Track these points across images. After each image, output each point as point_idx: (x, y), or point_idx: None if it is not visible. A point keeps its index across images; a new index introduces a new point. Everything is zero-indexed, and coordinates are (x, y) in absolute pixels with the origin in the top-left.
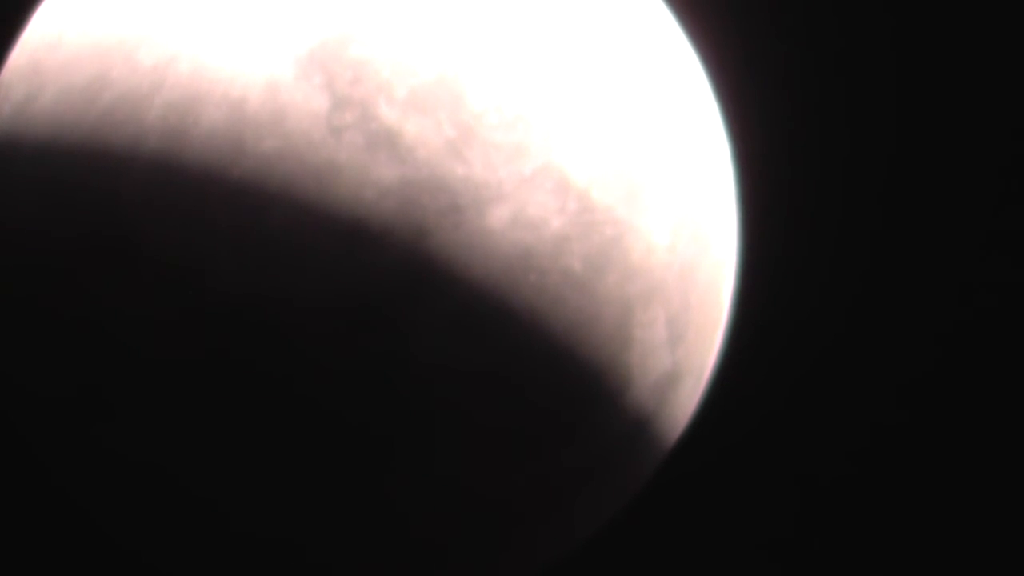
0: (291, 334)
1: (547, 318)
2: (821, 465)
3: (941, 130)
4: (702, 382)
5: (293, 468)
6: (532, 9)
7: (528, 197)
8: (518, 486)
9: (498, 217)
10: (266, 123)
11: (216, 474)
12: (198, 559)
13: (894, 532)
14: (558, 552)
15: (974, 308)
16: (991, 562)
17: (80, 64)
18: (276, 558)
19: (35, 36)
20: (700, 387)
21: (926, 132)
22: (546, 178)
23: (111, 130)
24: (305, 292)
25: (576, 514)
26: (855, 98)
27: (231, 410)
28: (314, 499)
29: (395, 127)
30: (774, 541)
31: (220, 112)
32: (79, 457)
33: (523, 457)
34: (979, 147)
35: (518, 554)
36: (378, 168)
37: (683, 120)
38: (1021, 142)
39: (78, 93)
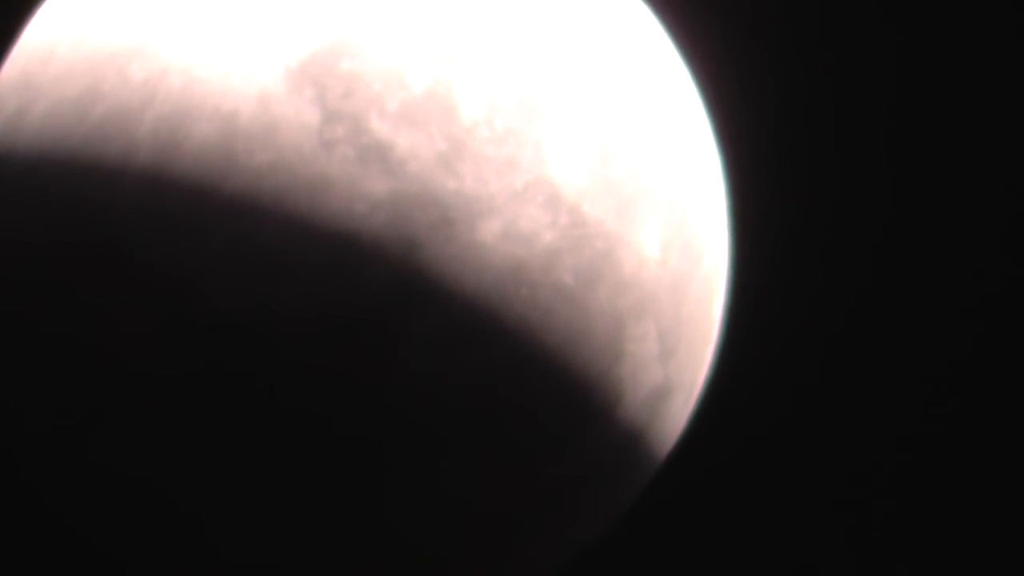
0: (283, 346)
1: (539, 332)
2: (813, 477)
3: (935, 134)
4: (693, 396)
5: (285, 481)
6: (523, 23)
7: (519, 211)
8: (509, 498)
9: (489, 231)
10: (258, 137)
11: (206, 486)
12: (187, 572)
13: (886, 544)
14: (550, 565)
15: (970, 318)
16: (987, 569)
17: (72, 77)
18: (270, 570)
19: (27, 49)
20: (691, 401)
21: (920, 139)
22: (537, 192)
23: (102, 143)
24: (297, 304)
25: (568, 527)
26: (848, 110)
27: (222, 422)
28: (308, 511)
29: (386, 141)
30: (766, 553)
31: (211, 126)
32: (67, 471)
33: (514, 469)
34: (974, 154)
35: (511, 567)
36: (369, 181)
37: (674, 133)
38: (1016, 142)
39: (69, 106)
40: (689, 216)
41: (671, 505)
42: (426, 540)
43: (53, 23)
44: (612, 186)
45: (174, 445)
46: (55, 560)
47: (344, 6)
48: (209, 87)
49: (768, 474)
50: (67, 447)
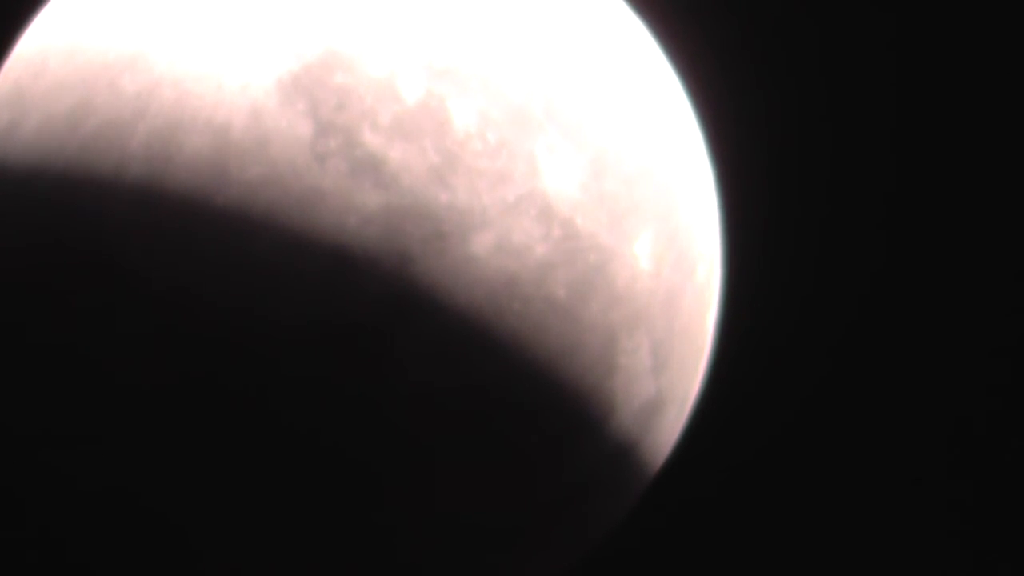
0: (276, 358)
1: (531, 345)
2: (807, 488)
3: (934, 142)
4: (686, 409)
5: (277, 493)
6: (516, 36)
7: (512, 224)
8: (501, 511)
9: (482, 244)
10: (250, 150)
11: (195, 497)
12: None
13: (878, 553)
14: None
15: (964, 327)
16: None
17: (64, 90)
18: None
19: (19, 62)
20: (684, 414)
21: (917, 147)
22: (530, 205)
23: (95, 157)
24: (290, 317)
25: (560, 540)
26: (843, 120)
27: (214, 432)
28: (302, 522)
29: (379, 153)
30: (759, 565)
31: (204, 139)
32: (55, 480)
33: (506, 482)
34: (977, 159)
35: None
36: (362, 195)
37: (666, 146)
38: (1010, 147)
39: (62, 120)
40: (681, 229)
41: (664, 518)
42: (420, 552)
43: (45, 35)
44: (605, 199)
45: (164, 455)
46: (38, 573)
47: (337, 19)
48: (201, 100)
49: (761, 486)
50: (57, 456)
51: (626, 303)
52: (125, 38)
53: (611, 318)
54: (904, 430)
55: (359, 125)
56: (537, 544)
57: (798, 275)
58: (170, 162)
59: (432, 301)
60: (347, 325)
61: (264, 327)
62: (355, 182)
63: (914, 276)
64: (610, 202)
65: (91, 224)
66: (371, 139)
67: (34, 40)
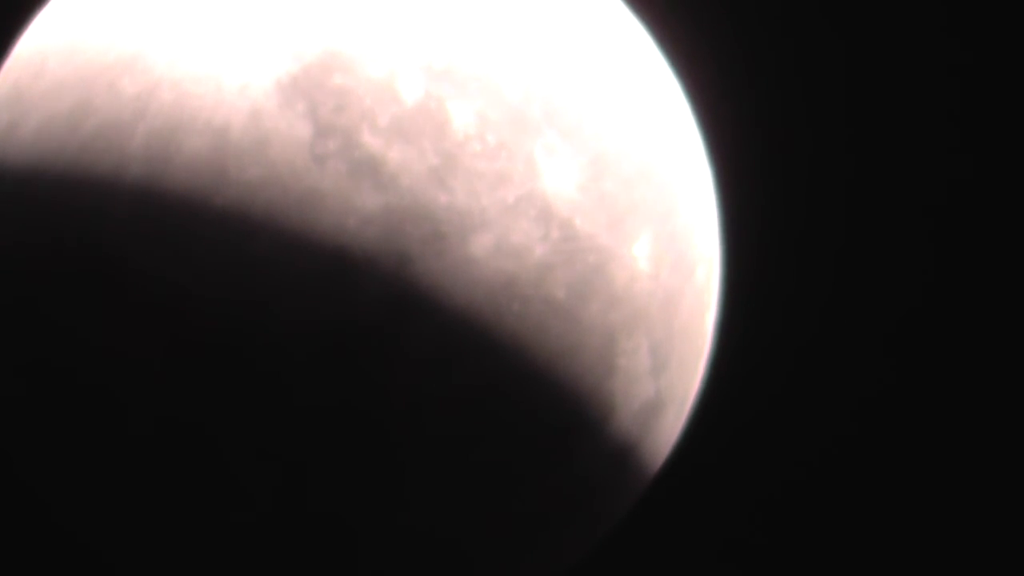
0: (276, 359)
1: (530, 346)
2: (805, 489)
3: (929, 141)
4: (685, 409)
5: (278, 491)
6: (515, 37)
7: (511, 225)
8: (499, 510)
9: (481, 245)
10: (249, 151)
11: (197, 498)
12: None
13: (877, 553)
14: None
15: (958, 325)
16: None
17: (63, 91)
18: (294, 562)
19: (18, 63)
20: (683, 415)
21: (913, 150)
22: (529, 206)
23: (94, 157)
24: (289, 318)
25: (558, 541)
26: (843, 122)
27: (213, 434)
28: (302, 517)
29: (378, 155)
30: (758, 565)
31: (203, 140)
32: (62, 471)
33: (504, 484)
34: (987, 162)
35: None
36: (361, 196)
37: (665, 147)
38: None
39: (61, 120)
40: (681, 230)
41: (664, 518)
42: (411, 562)
43: (45, 35)
44: (604, 200)
45: (169, 449)
46: (48, 558)
47: (336, 20)
48: (201, 101)
49: (761, 486)
50: (63, 446)
51: (625, 304)
52: (125, 38)
53: (610, 319)
54: (903, 429)
55: (358, 126)
56: (533, 546)
57: (797, 275)
58: (169, 163)
59: (431, 301)
60: (346, 325)
61: (263, 327)
62: (354, 183)
63: (913, 275)
64: (609, 203)
65: (91, 224)
66: (370, 140)
67: (34, 40)
